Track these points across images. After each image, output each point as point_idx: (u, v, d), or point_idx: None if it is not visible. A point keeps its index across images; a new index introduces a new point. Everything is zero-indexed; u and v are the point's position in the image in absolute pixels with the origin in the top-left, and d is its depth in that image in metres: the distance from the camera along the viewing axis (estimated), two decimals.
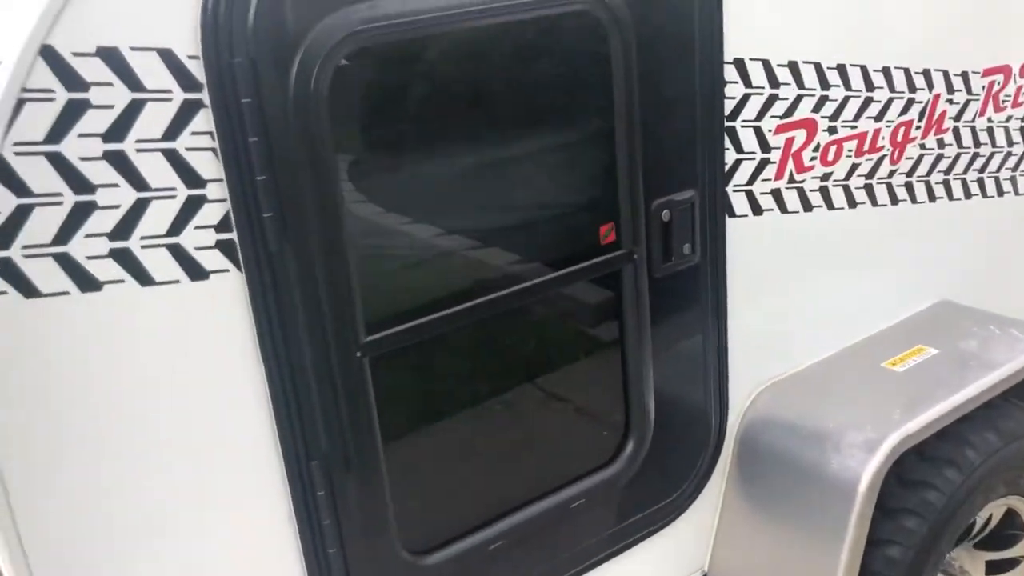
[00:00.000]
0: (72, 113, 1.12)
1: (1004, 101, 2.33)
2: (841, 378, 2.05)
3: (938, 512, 1.89)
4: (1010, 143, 2.40)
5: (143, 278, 1.22)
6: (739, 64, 1.76)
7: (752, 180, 1.87)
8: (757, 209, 1.90)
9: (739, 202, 1.86)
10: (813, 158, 1.96)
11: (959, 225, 2.35)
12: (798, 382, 2.04)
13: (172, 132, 1.20)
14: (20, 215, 1.12)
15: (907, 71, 2.07)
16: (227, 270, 1.28)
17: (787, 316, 2.05)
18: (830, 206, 2.03)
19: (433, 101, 1.45)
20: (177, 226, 1.23)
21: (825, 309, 2.11)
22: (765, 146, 1.86)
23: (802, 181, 1.96)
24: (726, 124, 1.78)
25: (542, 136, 1.57)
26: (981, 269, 2.45)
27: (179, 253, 1.24)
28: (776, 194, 1.92)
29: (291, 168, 1.27)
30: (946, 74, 2.16)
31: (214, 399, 1.33)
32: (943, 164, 2.24)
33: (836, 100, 1.95)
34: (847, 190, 2.05)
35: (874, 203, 2.12)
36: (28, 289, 1.14)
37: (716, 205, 1.80)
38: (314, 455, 1.41)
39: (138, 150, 1.18)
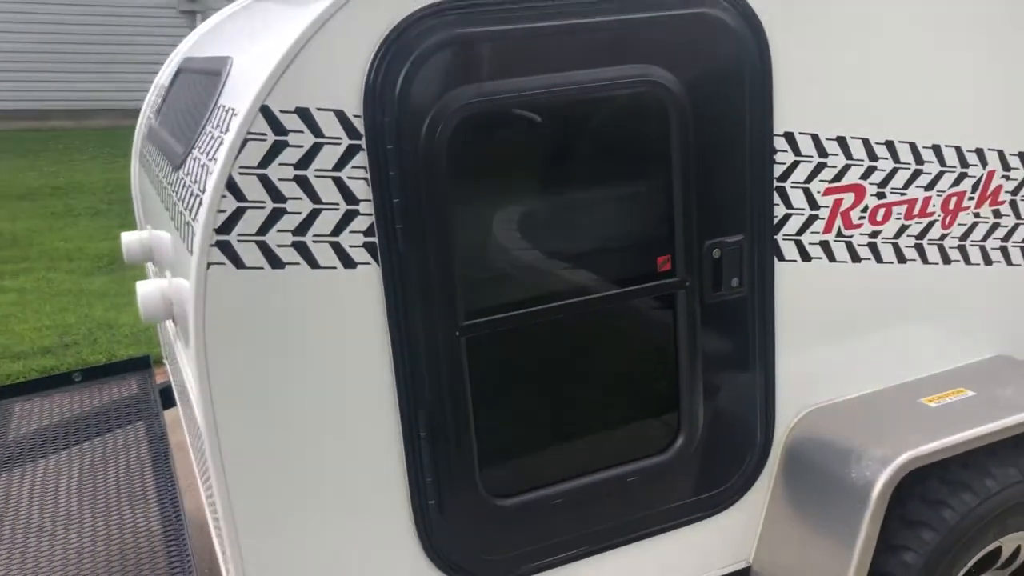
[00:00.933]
0: (276, 149, 1.71)
1: None
2: (879, 408, 2.37)
3: (950, 528, 2.17)
4: None
5: (312, 263, 1.79)
6: (789, 136, 2.17)
7: (801, 231, 2.25)
8: (805, 256, 2.28)
9: (788, 248, 2.25)
10: (862, 217, 2.31)
11: (1019, 288, 2.60)
12: (842, 407, 2.38)
13: (339, 165, 1.77)
14: (238, 213, 1.71)
15: (959, 149, 2.39)
16: (369, 263, 1.84)
17: (836, 352, 2.38)
18: (878, 260, 2.37)
19: (530, 154, 1.97)
20: (338, 229, 1.80)
21: (873, 350, 2.43)
22: (814, 205, 2.25)
23: (851, 236, 2.32)
24: (776, 184, 2.19)
25: (610, 184, 2.05)
26: None
27: (338, 248, 1.81)
28: (824, 245, 2.29)
29: (417, 195, 1.81)
30: (1001, 153, 2.46)
31: (354, 356, 1.87)
32: (1000, 232, 2.52)
33: (884, 170, 2.31)
34: (896, 247, 2.38)
35: (924, 261, 2.43)
36: (237, 262, 1.73)
37: (764, 249, 2.20)
38: (421, 405, 1.93)
39: (316, 176, 1.76)
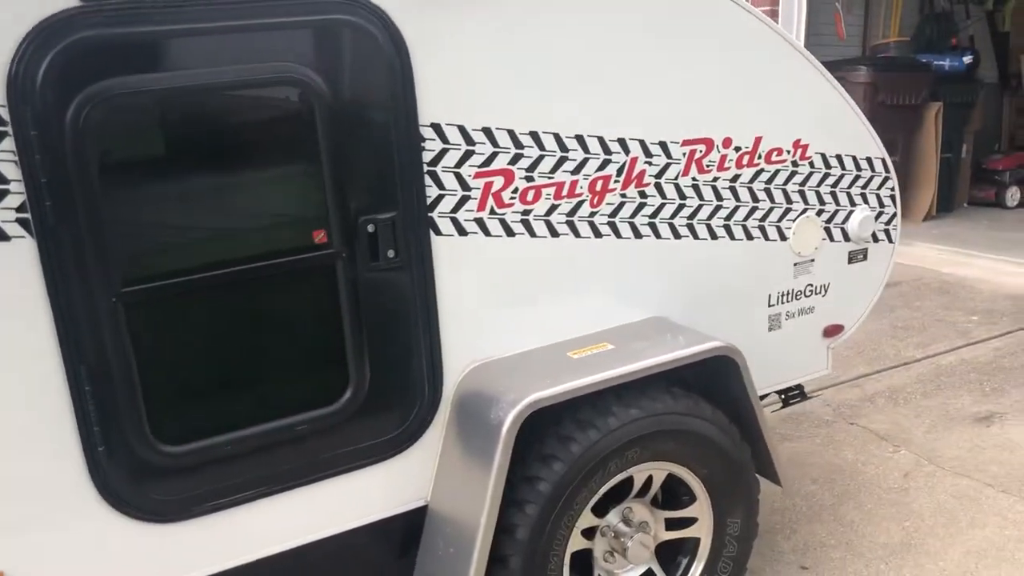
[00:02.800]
0: None
1: (708, 165, 3.01)
2: (531, 362, 2.74)
3: (576, 459, 2.56)
4: (719, 199, 3.07)
5: None
6: (436, 127, 2.50)
7: (456, 209, 2.59)
8: (462, 231, 2.61)
9: (444, 224, 2.58)
10: (513, 197, 2.67)
11: (671, 259, 3.02)
12: (501, 363, 2.74)
13: None
14: None
15: (601, 139, 2.78)
16: (24, 236, 2.07)
17: (498, 315, 2.74)
18: (532, 235, 2.73)
19: (180, 145, 2.24)
20: None
21: (533, 313, 2.79)
22: (465, 186, 2.59)
23: (503, 214, 2.67)
24: (428, 168, 2.52)
25: (262, 168, 2.34)
26: (695, 295, 3.10)
27: None
28: (479, 221, 2.63)
29: (63, 175, 2.06)
30: (643, 142, 2.86)
31: (17, 318, 2.11)
32: (647, 210, 2.93)
33: (531, 157, 2.67)
34: (548, 223, 2.75)
35: (576, 235, 2.81)
36: None
37: (418, 225, 2.52)
38: (83, 361, 2.18)
39: None
